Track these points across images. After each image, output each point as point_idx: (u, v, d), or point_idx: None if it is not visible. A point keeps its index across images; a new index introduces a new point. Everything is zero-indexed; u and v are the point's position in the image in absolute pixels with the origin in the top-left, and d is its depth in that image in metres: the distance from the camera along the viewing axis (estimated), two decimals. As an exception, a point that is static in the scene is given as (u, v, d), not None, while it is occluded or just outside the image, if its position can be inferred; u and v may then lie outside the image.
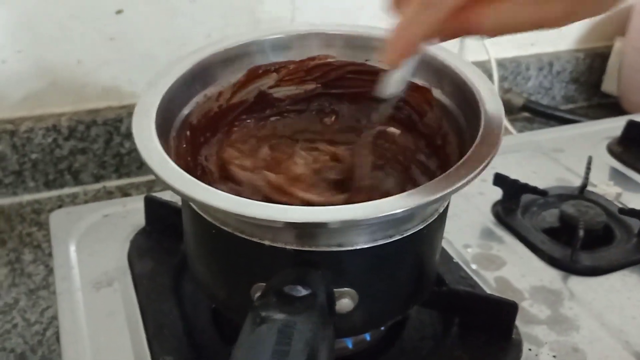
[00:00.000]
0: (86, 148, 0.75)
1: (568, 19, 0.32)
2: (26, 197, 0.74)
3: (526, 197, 0.64)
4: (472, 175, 0.37)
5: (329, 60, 0.50)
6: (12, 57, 0.69)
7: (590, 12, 0.33)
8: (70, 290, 0.51)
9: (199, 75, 0.46)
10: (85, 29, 0.71)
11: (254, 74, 0.50)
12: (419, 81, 0.48)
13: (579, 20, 0.33)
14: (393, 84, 0.39)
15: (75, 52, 0.72)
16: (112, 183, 0.78)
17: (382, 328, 0.49)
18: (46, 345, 0.54)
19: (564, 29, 0.32)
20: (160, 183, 0.36)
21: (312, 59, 0.50)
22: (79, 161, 0.75)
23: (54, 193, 0.75)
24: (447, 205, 0.43)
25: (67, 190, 0.76)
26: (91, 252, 0.55)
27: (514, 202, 0.64)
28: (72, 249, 0.56)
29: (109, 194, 0.76)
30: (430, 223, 0.40)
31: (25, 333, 0.55)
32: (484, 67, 0.91)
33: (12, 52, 0.69)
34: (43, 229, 0.68)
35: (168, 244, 0.55)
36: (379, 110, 0.44)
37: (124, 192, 0.77)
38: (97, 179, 0.77)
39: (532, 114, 0.96)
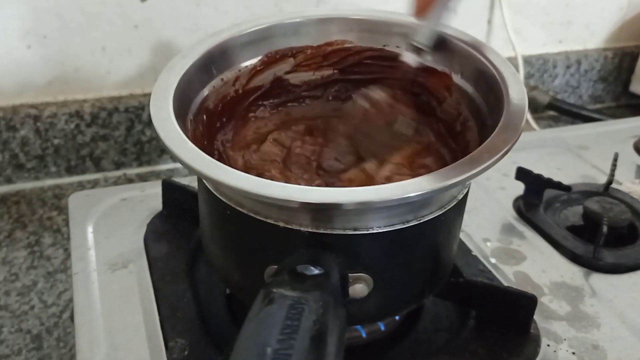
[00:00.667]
0: (108, 135, 0.75)
1: None
2: (48, 182, 0.75)
3: (549, 193, 0.63)
4: (492, 160, 0.36)
5: (347, 45, 0.50)
6: (37, 42, 0.70)
7: None
8: (86, 271, 0.51)
9: (217, 59, 0.46)
10: (110, 16, 0.71)
11: (271, 59, 0.49)
12: (438, 66, 0.47)
13: None
14: (424, 33, 0.43)
15: (100, 39, 0.72)
16: (133, 171, 0.78)
17: (397, 317, 0.48)
18: (62, 327, 0.54)
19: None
20: (179, 164, 0.36)
21: (330, 44, 0.50)
22: (101, 148, 0.75)
23: (75, 179, 0.76)
24: (467, 193, 0.42)
25: (88, 177, 0.76)
26: (108, 235, 0.55)
27: (537, 197, 0.63)
28: (90, 230, 0.56)
29: (129, 182, 0.76)
30: (448, 210, 0.40)
31: (42, 315, 0.55)
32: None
33: (38, 37, 0.70)
34: (63, 213, 0.69)
35: (184, 228, 0.55)
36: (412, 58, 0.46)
37: (144, 180, 0.77)
38: (118, 166, 0.77)
39: (557, 112, 0.94)
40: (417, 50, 0.44)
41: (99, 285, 0.49)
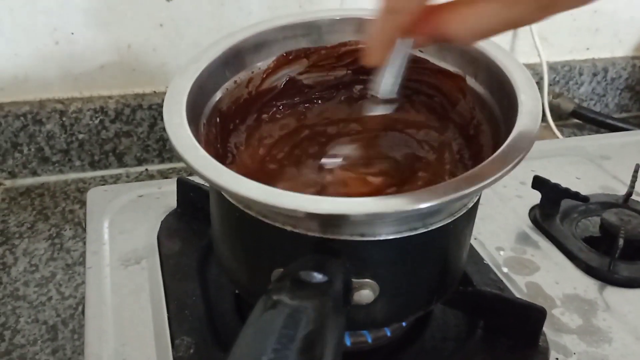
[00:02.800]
0: (131, 131, 0.76)
1: (544, 13, 0.30)
2: (72, 176, 0.76)
3: (566, 203, 0.62)
4: (504, 171, 0.36)
5: (361, 46, 0.50)
6: (65, 39, 0.71)
7: (572, 3, 0.30)
8: (99, 265, 0.52)
9: (230, 61, 0.46)
10: (136, 14, 0.72)
11: (285, 60, 0.49)
12: (452, 68, 0.47)
13: (559, 12, 0.31)
14: (384, 84, 0.40)
15: (126, 37, 0.73)
16: (154, 167, 0.79)
17: (404, 324, 0.48)
18: (77, 319, 0.55)
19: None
20: (191, 170, 0.36)
21: (344, 44, 0.50)
22: (124, 144, 0.77)
23: (98, 173, 0.77)
24: (478, 201, 0.42)
25: (110, 172, 0.77)
26: (123, 230, 0.56)
27: (554, 207, 0.62)
28: (106, 225, 0.57)
29: (150, 178, 0.77)
30: (457, 218, 0.39)
31: (58, 306, 0.56)
32: (534, 69, 0.89)
33: (65, 34, 0.71)
34: (85, 206, 0.70)
35: (197, 226, 0.55)
36: (378, 109, 0.43)
37: (165, 176, 0.78)
38: (140, 162, 0.78)
39: (582, 120, 0.93)
40: (385, 102, 0.42)
41: (111, 280, 0.50)
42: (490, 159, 0.37)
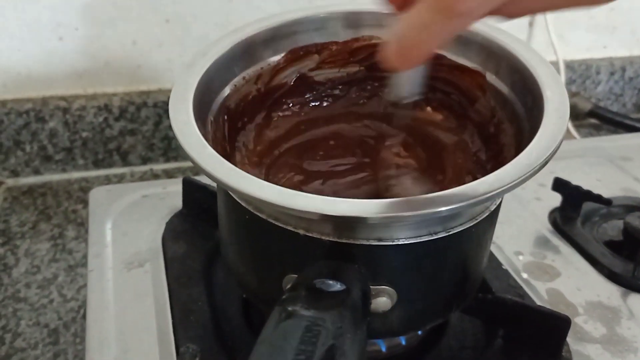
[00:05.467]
0: (135, 129, 0.75)
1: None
2: (75, 175, 0.75)
3: (588, 206, 0.60)
4: (529, 172, 0.34)
5: (374, 41, 0.48)
6: (69, 34, 0.70)
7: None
8: (102, 268, 0.50)
9: (238, 56, 0.44)
10: (141, 10, 0.71)
11: (295, 56, 0.47)
12: (471, 64, 0.45)
13: None
14: (405, 86, 0.35)
15: (131, 33, 0.72)
16: (159, 166, 0.77)
17: (420, 332, 0.46)
18: (79, 322, 0.53)
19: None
20: (198, 169, 0.34)
21: (357, 39, 0.48)
22: (128, 142, 0.75)
23: (102, 172, 0.76)
24: (499, 204, 0.40)
25: (114, 171, 0.76)
26: (126, 232, 0.54)
27: (575, 210, 0.60)
28: (108, 227, 0.55)
29: (155, 177, 0.76)
30: (479, 222, 0.37)
31: (60, 309, 0.55)
32: (550, 68, 0.87)
33: (70, 29, 0.70)
34: (88, 206, 0.68)
35: (203, 227, 0.54)
36: (397, 115, 0.41)
37: (170, 175, 0.76)
38: (145, 161, 0.77)
39: (599, 120, 0.90)
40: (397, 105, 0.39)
41: (114, 284, 0.49)
42: (516, 158, 0.35)
